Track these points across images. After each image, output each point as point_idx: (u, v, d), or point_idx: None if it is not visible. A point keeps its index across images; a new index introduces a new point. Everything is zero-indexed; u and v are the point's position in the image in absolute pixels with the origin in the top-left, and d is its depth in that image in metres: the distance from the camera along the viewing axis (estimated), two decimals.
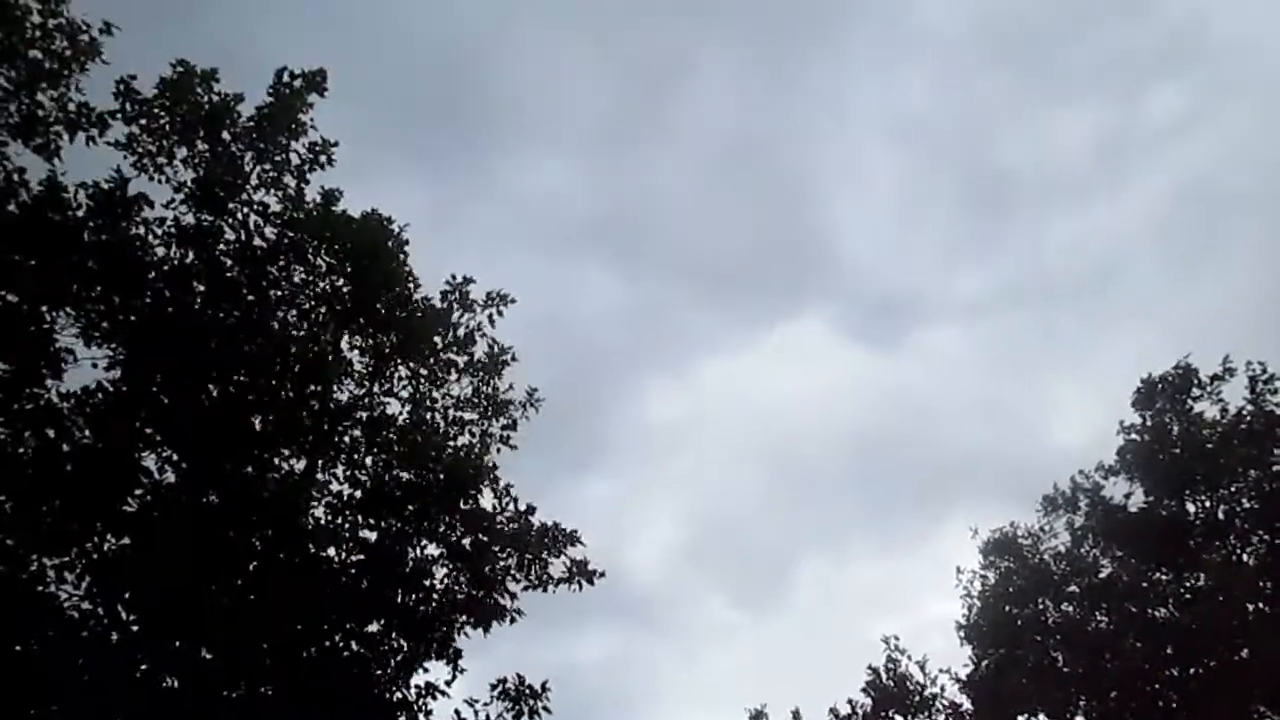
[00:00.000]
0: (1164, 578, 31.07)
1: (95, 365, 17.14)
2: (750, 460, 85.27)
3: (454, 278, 19.77)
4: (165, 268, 17.65)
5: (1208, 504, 31.43)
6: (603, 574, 19.66)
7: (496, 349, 20.09)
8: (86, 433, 16.56)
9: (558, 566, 19.51)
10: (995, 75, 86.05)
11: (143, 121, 17.62)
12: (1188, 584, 30.69)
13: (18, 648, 15.10)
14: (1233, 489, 31.07)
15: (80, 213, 17.00)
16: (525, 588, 19.34)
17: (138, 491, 16.59)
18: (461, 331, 19.83)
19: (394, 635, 18.13)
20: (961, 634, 33.92)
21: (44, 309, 16.79)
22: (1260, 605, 28.97)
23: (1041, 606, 32.85)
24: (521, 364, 20.39)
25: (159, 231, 17.68)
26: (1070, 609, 32.48)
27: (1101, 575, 32.33)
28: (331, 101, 18.45)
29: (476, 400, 20.22)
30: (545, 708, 18.31)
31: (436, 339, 19.63)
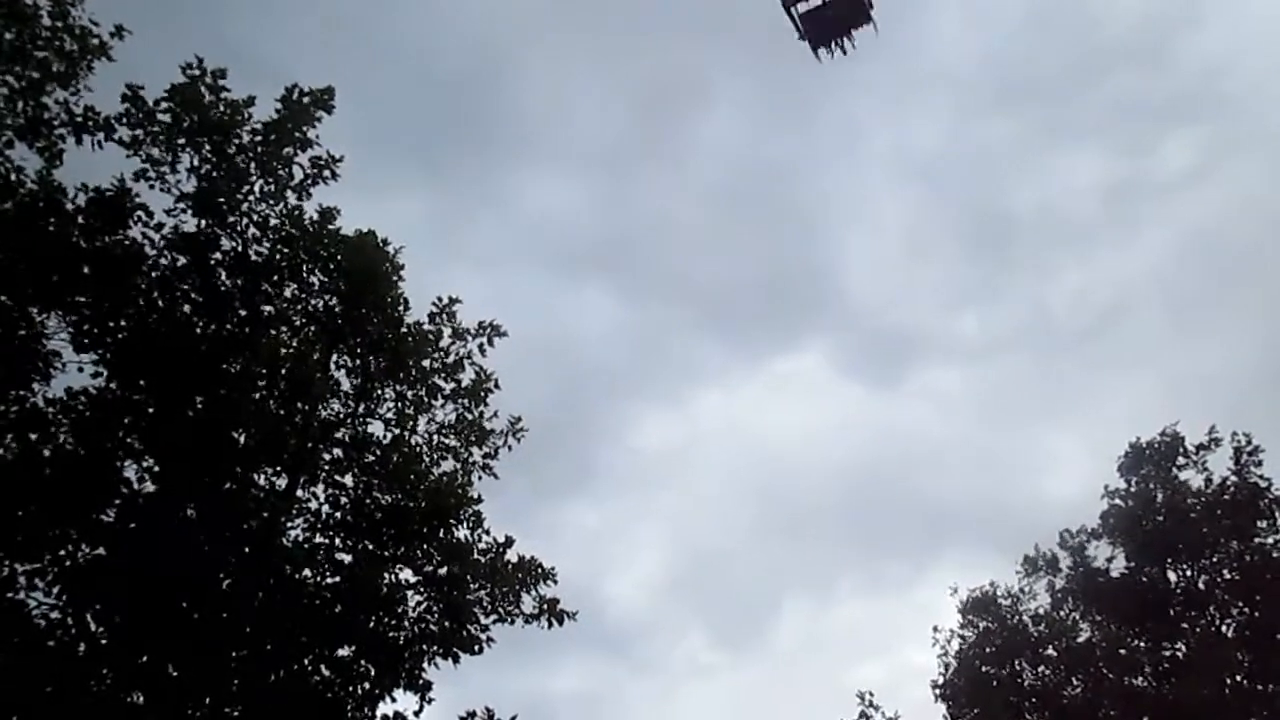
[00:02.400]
0: (1142, 645, 30.98)
1: (82, 370, 17.03)
2: (740, 494, 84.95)
3: (440, 299, 19.76)
4: (159, 275, 17.58)
5: (1189, 573, 31.45)
6: (574, 615, 19.43)
7: (482, 376, 20.01)
8: (69, 438, 16.39)
9: (529, 602, 19.31)
10: (1007, 118, 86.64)
11: (148, 126, 17.57)
12: (1166, 653, 30.58)
13: None
14: (1214, 559, 31.13)
15: (78, 216, 16.94)
16: (495, 620, 19.09)
17: (116, 501, 16.40)
18: (450, 358, 19.77)
19: (363, 662, 17.86)
20: (937, 692, 33.69)
21: (34, 311, 16.69)
22: (1238, 678, 28.87)
23: (1018, 668, 32.68)
24: (513, 382, 20.26)
25: (156, 238, 17.66)
26: (1047, 672, 32.31)
27: (1080, 639, 32.22)
28: (345, 108, 18.45)
29: (459, 426, 20.09)
30: None
31: (425, 363, 19.54)
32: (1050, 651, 32.53)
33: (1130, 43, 79.45)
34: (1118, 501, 32.92)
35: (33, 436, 16.15)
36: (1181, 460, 32.58)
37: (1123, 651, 30.67)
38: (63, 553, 15.83)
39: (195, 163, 17.80)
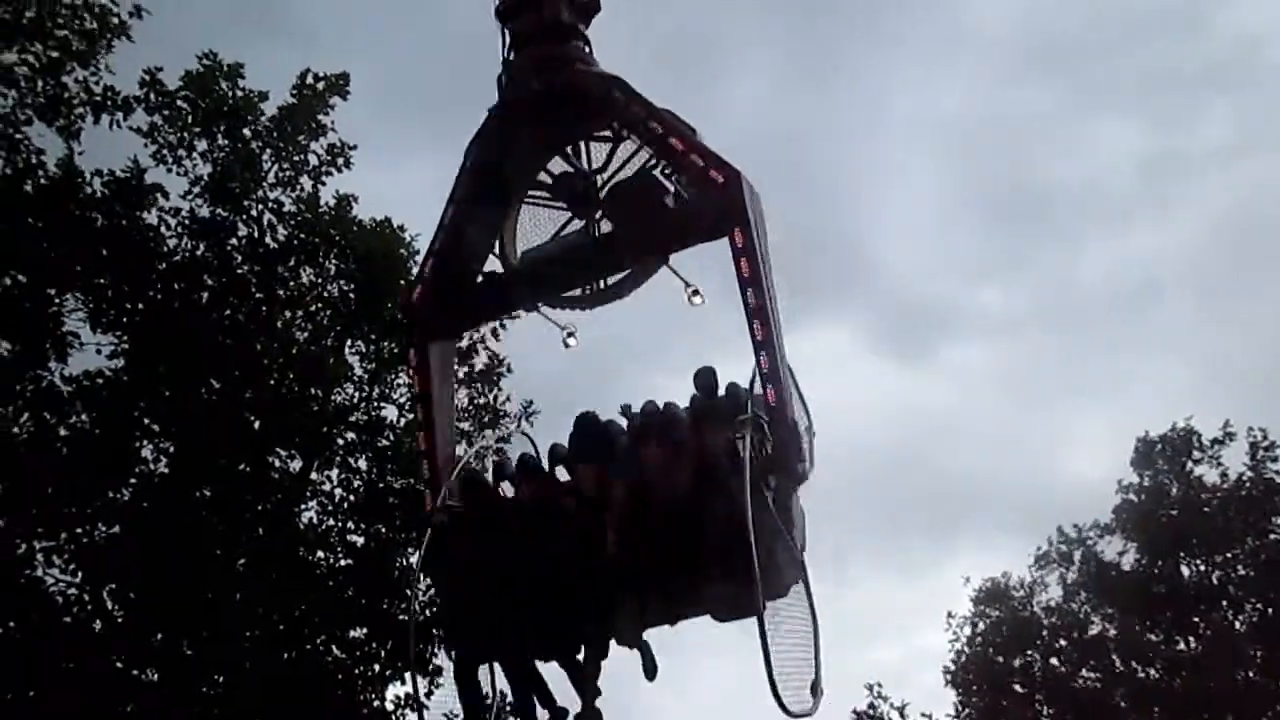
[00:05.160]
0: (1154, 639, 30.85)
1: (99, 351, 17.14)
2: None
3: None
4: (176, 259, 17.67)
5: (1203, 568, 31.27)
6: None
7: (494, 360, 20.01)
8: (85, 418, 16.52)
9: None
10: (1042, 86, 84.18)
11: (165, 112, 17.63)
12: (1178, 647, 30.47)
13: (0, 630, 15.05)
14: (1229, 554, 30.91)
15: (96, 198, 17.02)
16: None
17: (131, 481, 16.53)
18: (463, 343, 19.76)
19: (374, 644, 17.96)
20: (948, 678, 33.64)
21: (52, 292, 16.80)
22: (1250, 674, 28.75)
23: (1029, 659, 32.60)
24: (528, 353, 20.04)
25: (172, 223, 17.74)
26: (1058, 663, 32.23)
27: (1091, 632, 32.12)
28: (360, 68, 18.32)
29: (472, 410, 20.10)
30: None
31: None
32: (1062, 643, 32.46)
33: (1167, 8, 77.06)
34: (1130, 496, 32.77)
35: (50, 416, 16.31)
36: (1196, 454, 32.37)
37: (1134, 645, 30.57)
38: (79, 531, 16.00)
39: (210, 147, 17.91)
